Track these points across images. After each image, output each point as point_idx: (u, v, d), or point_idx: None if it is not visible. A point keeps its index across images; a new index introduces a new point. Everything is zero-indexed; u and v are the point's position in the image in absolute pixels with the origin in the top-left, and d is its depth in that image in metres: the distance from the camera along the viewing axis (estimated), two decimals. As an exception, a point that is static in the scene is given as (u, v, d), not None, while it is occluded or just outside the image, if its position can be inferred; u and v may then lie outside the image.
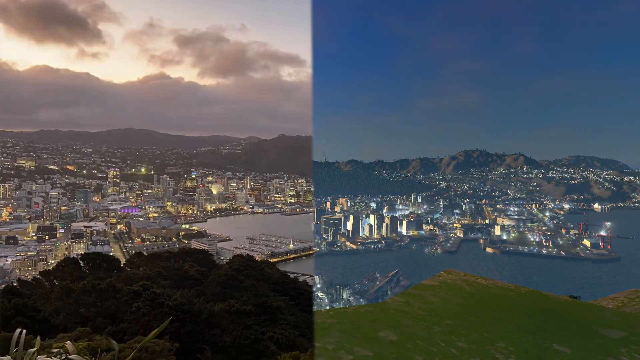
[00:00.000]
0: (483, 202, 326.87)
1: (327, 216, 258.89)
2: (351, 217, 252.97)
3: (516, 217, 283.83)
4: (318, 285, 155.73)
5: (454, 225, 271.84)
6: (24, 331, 3.93)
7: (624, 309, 13.14)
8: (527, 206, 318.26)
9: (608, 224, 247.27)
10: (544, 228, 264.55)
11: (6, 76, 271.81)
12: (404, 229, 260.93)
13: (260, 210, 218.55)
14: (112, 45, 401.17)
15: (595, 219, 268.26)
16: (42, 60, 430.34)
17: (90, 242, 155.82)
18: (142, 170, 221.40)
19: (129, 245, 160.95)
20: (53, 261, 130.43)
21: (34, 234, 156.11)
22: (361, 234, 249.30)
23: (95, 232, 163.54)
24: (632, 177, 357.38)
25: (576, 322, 9.72)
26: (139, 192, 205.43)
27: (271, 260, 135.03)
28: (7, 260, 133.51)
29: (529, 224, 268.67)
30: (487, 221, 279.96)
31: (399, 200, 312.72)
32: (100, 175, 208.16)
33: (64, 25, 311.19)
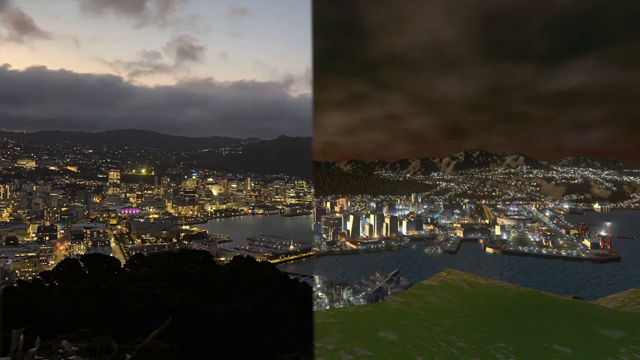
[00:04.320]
0: (483, 202, 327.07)
1: (327, 216, 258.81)
2: (351, 217, 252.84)
3: (516, 217, 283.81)
4: (318, 286, 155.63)
5: (454, 225, 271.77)
6: (23, 330, 3.94)
7: (624, 309, 13.14)
8: (527, 206, 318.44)
9: (608, 224, 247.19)
10: (544, 228, 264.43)
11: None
12: (404, 229, 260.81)
13: (261, 211, 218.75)
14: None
15: (595, 219, 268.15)
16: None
17: (90, 243, 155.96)
18: (143, 171, 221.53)
19: (129, 246, 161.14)
20: (53, 262, 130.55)
21: (34, 235, 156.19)
22: (361, 234, 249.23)
23: (95, 233, 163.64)
24: (632, 177, 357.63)
25: (576, 322, 9.72)
26: (140, 193, 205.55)
27: (271, 262, 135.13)
28: (7, 261, 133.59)
29: (529, 224, 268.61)
30: (487, 221, 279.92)
31: (399, 200, 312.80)
32: (100, 176, 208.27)
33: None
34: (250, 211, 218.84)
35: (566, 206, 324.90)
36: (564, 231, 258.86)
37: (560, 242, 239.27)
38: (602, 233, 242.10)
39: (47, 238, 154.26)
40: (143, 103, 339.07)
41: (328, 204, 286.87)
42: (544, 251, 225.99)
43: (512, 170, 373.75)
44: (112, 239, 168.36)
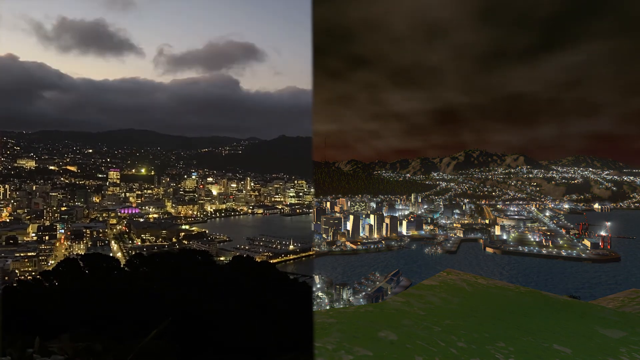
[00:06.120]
0: (483, 202, 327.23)
1: (327, 216, 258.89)
2: (351, 217, 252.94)
3: (516, 217, 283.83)
4: (318, 286, 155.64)
5: (454, 225, 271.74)
6: (24, 331, 3.94)
7: (624, 309, 13.13)
8: (527, 206, 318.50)
9: (608, 224, 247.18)
10: (544, 228, 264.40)
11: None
12: (404, 229, 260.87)
13: (261, 211, 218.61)
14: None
15: (595, 219, 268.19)
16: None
17: (90, 243, 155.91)
18: (143, 171, 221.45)
19: (129, 245, 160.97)
20: (53, 262, 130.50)
21: (34, 235, 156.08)
22: (361, 234, 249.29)
23: (95, 232, 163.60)
24: (632, 177, 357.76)
25: (576, 322, 9.72)
26: (139, 192, 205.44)
27: (271, 261, 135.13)
28: (7, 261, 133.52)
29: (529, 224, 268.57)
30: (487, 221, 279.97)
31: (399, 200, 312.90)
32: (100, 176, 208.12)
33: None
34: (250, 211, 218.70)
35: (566, 206, 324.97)
36: (564, 231, 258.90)
37: (560, 242, 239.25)
38: (602, 233, 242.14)
39: (47, 238, 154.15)
40: (143, 102, 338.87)
41: (328, 204, 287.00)
42: (544, 251, 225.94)
43: (512, 170, 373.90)
44: (112, 238, 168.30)
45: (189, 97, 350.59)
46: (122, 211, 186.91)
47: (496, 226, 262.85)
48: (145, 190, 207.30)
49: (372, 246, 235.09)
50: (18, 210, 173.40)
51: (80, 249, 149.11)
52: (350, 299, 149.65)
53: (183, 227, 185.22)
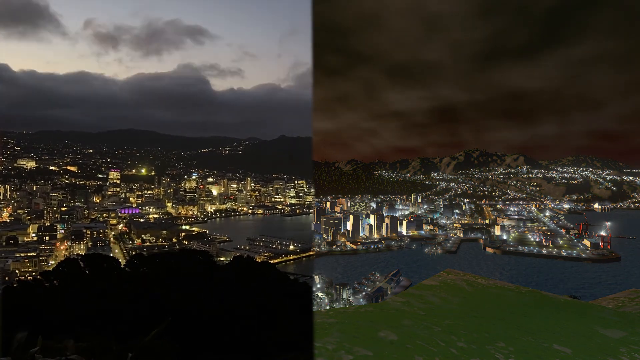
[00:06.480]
0: (483, 202, 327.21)
1: (327, 216, 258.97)
2: (351, 217, 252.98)
3: (516, 217, 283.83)
4: (318, 286, 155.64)
5: (454, 225, 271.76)
6: (25, 331, 3.94)
7: (624, 309, 13.14)
8: (527, 206, 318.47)
9: (608, 224, 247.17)
10: (544, 228, 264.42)
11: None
12: (404, 229, 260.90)
13: (261, 211, 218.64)
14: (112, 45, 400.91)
15: (595, 219, 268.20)
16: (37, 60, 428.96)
17: (90, 243, 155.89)
18: (143, 171, 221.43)
19: (129, 246, 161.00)
20: (53, 262, 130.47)
21: (34, 235, 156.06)
22: (361, 234, 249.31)
23: (95, 232, 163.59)
24: (632, 177, 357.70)
25: (576, 322, 9.72)
26: (140, 193, 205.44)
27: (271, 262, 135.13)
28: (7, 261, 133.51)
29: (529, 224, 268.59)
30: (487, 221, 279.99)
31: (399, 200, 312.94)
32: (100, 176, 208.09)
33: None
34: (250, 211, 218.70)
35: (566, 206, 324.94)
36: (564, 231, 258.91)
37: (560, 242, 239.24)
38: (602, 233, 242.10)
39: (47, 238, 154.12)
40: (144, 102, 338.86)
41: (328, 204, 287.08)
42: (544, 251, 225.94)
43: (512, 170, 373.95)
44: (112, 238, 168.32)
45: (174, 93, 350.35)
46: (123, 211, 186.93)
47: (496, 226, 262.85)
48: (145, 191, 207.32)
49: (372, 246, 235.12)
50: (18, 211, 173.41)
51: (80, 249, 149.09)
52: (350, 299, 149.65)
53: (183, 227, 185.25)
